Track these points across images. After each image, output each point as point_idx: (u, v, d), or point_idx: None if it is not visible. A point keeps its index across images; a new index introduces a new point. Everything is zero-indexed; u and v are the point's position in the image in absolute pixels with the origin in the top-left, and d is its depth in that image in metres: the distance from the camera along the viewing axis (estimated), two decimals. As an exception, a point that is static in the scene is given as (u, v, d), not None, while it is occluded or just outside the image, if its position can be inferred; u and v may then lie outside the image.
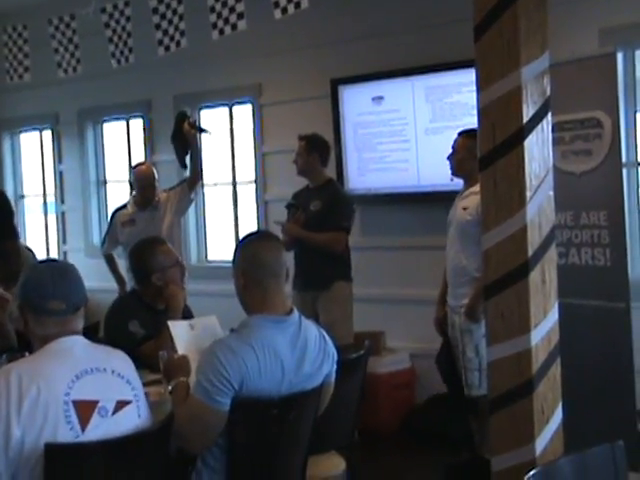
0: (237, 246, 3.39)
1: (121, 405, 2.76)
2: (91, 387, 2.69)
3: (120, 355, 2.93)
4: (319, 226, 5.94)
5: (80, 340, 2.82)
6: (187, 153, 6.70)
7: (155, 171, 6.78)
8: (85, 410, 2.65)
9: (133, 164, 7.36)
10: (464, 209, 5.24)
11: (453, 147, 5.40)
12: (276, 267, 3.24)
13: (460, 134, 5.42)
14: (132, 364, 2.93)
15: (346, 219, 5.99)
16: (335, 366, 3.39)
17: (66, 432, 2.61)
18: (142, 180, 6.68)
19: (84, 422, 2.65)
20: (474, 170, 5.20)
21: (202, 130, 6.71)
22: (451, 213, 5.37)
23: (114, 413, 2.73)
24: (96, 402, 2.69)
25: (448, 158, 5.41)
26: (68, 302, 2.80)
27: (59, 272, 2.86)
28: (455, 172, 5.41)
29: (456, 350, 5.31)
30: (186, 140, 6.60)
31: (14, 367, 2.70)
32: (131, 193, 6.87)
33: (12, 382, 2.59)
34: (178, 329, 3.70)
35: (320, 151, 6.11)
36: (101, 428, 2.68)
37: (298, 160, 6.13)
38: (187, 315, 4.36)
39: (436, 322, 5.56)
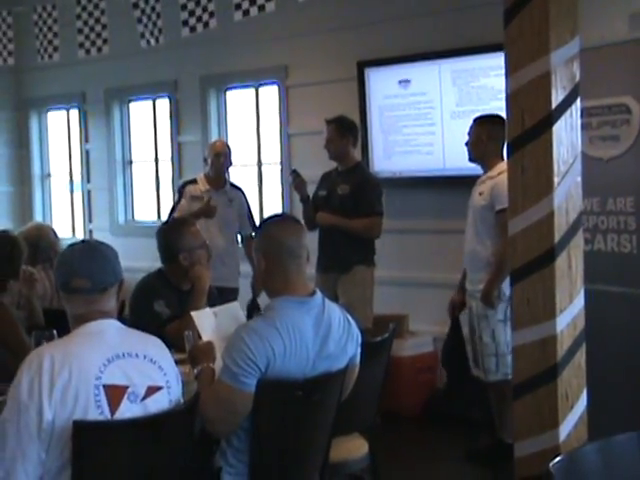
0: (258, 229, 3.44)
1: (152, 391, 2.74)
2: (122, 372, 2.68)
3: (154, 341, 2.90)
4: (348, 211, 5.92)
5: (113, 324, 2.80)
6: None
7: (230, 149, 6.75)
8: (115, 395, 2.65)
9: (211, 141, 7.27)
10: (480, 194, 5.24)
11: (469, 133, 5.40)
12: (297, 249, 3.24)
13: (474, 120, 5.42)
14: (167, 350, 2.91)
15: (379, 203, 5.97)
16: (359, 348, 3.39)
17: (95, 416, 2.61)
18: (220, 150, 6.62)
19: (114, 407, 2.65)
20: (487, 155, 5.24)
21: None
22: (470, 198, 5.36)
23: (144, 399, 2.72)
24: (126, 387, 2.68)
25: (466, 144, 5.41)
26: (93, 280, 2.77)
27: (87, 251, 2.85)
28: (470, 158, 5.40)
29: (472, 334, 5.30)
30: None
31: (47, 350, 2.70)
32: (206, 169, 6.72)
33: (45, 365, 2.59)
34: (202, 318, 3.70)
35: (352, 133, 6.09)
36: (130, 413, 2.68)
37: (331, 145, 6.05)
38: (211, 297, 4.38)
39: (450, 304, 5.55)
